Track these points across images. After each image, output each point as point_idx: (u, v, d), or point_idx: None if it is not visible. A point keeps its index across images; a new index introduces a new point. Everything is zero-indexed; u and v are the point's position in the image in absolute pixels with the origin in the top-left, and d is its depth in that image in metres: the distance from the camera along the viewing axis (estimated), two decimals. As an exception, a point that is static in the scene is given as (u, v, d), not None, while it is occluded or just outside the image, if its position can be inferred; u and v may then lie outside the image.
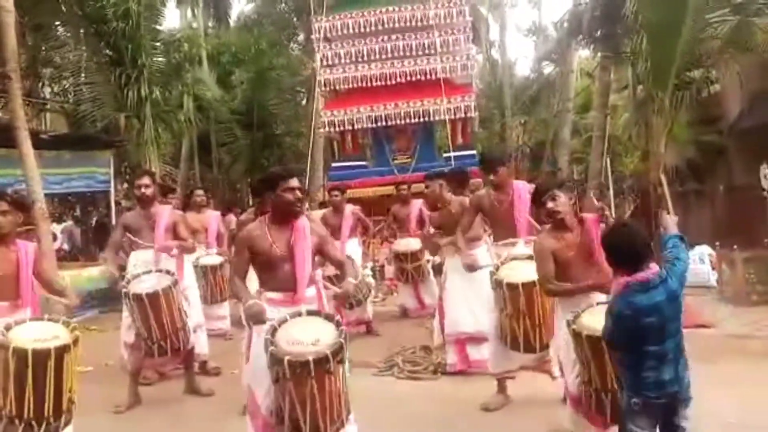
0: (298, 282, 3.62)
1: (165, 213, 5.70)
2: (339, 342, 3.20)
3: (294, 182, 3.67)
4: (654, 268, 2.85)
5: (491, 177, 5.16)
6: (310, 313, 3.45)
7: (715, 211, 12.02)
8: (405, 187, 8.50)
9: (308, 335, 3.25)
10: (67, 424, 3.68)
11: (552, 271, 3.79)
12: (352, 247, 7.56)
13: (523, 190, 5.07)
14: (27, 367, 3.43)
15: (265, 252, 3.63)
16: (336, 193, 7.72)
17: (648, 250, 2.89)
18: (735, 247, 8.31)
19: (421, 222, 8.20)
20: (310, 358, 3.08)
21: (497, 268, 4.65)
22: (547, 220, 3.95)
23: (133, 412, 5.26)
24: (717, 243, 9.18)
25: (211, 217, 7.89)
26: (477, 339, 5.47)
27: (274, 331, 3.28)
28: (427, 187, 5.97)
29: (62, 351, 3.51)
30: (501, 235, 5.17)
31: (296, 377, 3.10)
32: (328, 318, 3.42)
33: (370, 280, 7.75)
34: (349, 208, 7.77)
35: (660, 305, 2.78)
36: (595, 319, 3.32)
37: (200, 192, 8.07)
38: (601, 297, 3.56)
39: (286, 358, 3.09)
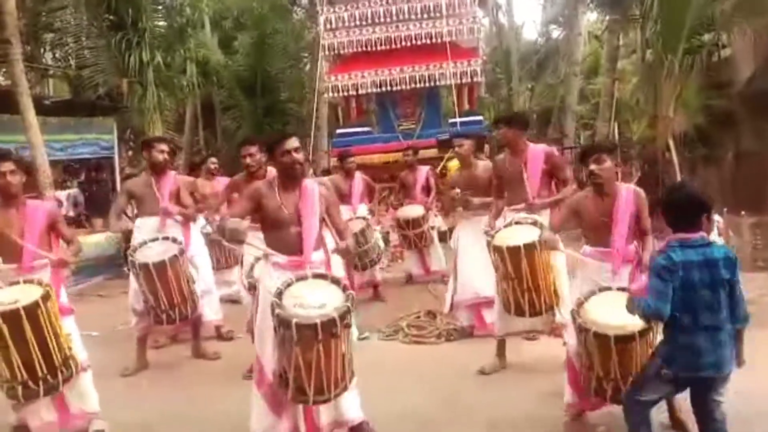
0: (305, 244, 3.59)
1: (169, 179, 5.67)
2: (345, 305, 3.20)
3: (291, 143, 3.61)
4: (701, 233, 2.88)
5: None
6: (315, 276, 3.44)
7: (723, 176, 11.92)
8: (410, 153, 8.42)
9: (315, 298, 3.25)
10: (66, 381, 3.70)
11: (557, 224, 4.05)
12: (363, 213, 7.58)
13: (536, 154, 5.01)
14: (23, 327, 3.44)
15: (273, 212, 3.61)
16: (351, 159, 7.72)
17: (697, 214, 2.89)
18: (743, 212, 8.26)
19: (427, 189, 8.17)
20: (318, 321, 3.08)
21: (494, 234, 4.63)
22: (588, 181, 3.96)
23: (140, 376, 5.34)
24: (724, 209, 9.13)
25: (222, 184, 7.87)
26: (491, 303, 5.48)
27: (280, 293, 3.28)
28: (460, 146, 5.75)
29: (33, 309, 3.48)
30: (513, 199, 5.12)
31: (303, 340, 3.11)
32: (334, 281, 3.42)
33: (381, 243, 7.76)
34: (359, 175, 7.77)
35: (691, 265, 2.78)
36: (601, 310, 3.36)
37: (213, 159, 8.07)
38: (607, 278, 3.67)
39: (294, 320, 3.09)
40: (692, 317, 2.80)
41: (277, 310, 3.18)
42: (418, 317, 6.38)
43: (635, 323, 3.14)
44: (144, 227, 5.54)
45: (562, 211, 4.03)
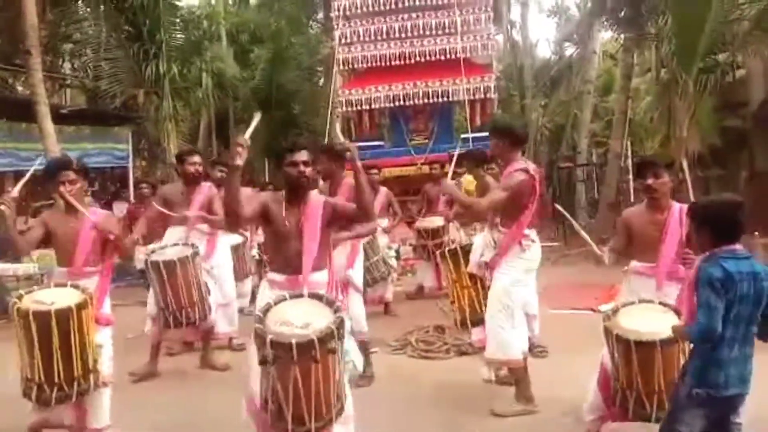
0: (304, 264, 3.43)
1: (202, 190, 5.74)
2: (330, 329, 2.95)
3: (299, 156, 3.43)
4: (741, 245, 2.78)
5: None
6: (311, 296, 3.26)
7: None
8: (437, 166, 8.52)
9: (300, 318, 3.05)
10: (81, 393, 3.70)
11: (620, 244, 3.96)
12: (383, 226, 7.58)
13: (509, 169, 4.58)
14: (51, 330, 3.45)
15: (278, 223, 3.47)
16: (375, 171, 7.75)
17: (743, 227, 2.79)
18: (756, 233, 8.19)
19: (450, 202, 8.17)
20: (293, 341, 2.86)
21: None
22: (644, 194, 3.98)
23: (150, 384, 5.35)
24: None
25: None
26: None
27: (267, 309, 3.12)
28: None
29: (64, 314, 3.50)
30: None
31: (279, 361, 2.91)
32: (329, 303, 3.20)
33: (393, 261, 7.74)
34: (383, 189, 7.80)
35: (744, 276, 2.66)
36: (634, 320, 3.28)
37: (222, 168, 8.08)
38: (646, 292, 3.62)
39: (269, 337, 2.89)
40: (733, 331, 2.67)
41: (256, 325, 3.00)
42: (427, 332, 6.37)
43: (663, 331, 3.07)
44: (172, 237, 5.61)
45: (618, 233, 4.03)
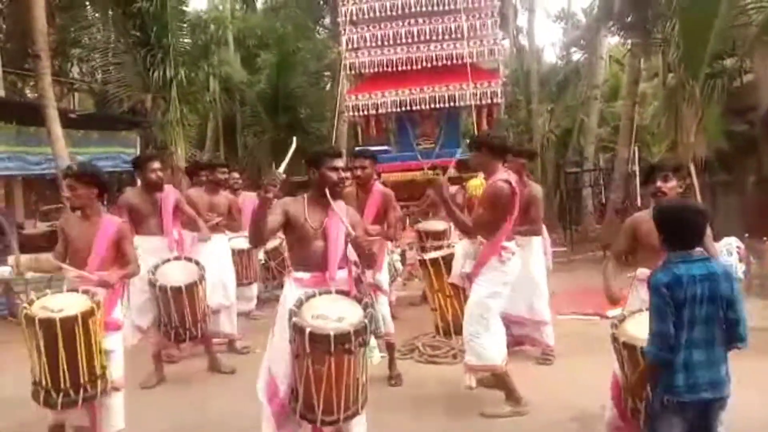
0: (329, 261, 3.57)
1: (169, 196, 5.70)
2: (363, 323, 3.19)
3: (340, 162, 3.65)
4: (700, 249, 2.79)
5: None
6: (339, 292, 3.45)
7: (745, 202, 11.78)
8: (438, 172, 8.50)
9: (334, 311, 3.25)
10: (87, 400, 3.70)
11: (620, 248, 3.92)
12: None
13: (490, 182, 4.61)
14: (56, 337, 3.47)
15: (299, 225, 3.58)
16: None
17: (700, 234, 2.79)
18: (764, 238, 8.16)
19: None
20: (331, 333, 3.07)
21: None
22: (652, 198, 3.89)
23: (156, 389, 5.36)
24: (746, 235, 9.01)
25: (247, 199, 7.72)
26: (514, 322, 5.48)
27: (300, 303, 3.30)
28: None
29: (69, 322, 3.50)
30: None
31: (316, 352, 3.09)
32: (357, 300, 3.42)
33: (399, 265, 7.74)
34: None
35: (694, 279, 2.68)
36: (639, 327, 3.24)
37: (236, 174, 8.13)
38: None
39: (308, 329, 3.09)
40: (690, 332, 2.69)
41: (294, 318, 3.18)
42: (434, 337, 6.35)
43: None
44: (146, 246, 5.33)
45: (620, 236, 3.94)
